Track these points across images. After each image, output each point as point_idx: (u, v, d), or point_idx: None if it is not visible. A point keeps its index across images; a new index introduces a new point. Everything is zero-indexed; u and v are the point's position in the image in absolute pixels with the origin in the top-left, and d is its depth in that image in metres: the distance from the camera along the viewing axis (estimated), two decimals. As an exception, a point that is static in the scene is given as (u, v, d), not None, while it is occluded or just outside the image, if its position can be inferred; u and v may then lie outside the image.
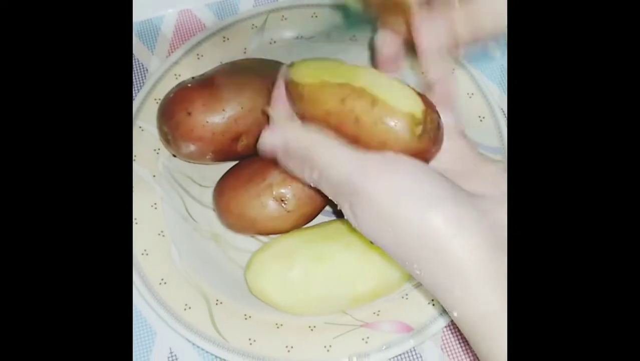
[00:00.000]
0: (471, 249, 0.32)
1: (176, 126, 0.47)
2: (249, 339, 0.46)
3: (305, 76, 0.38)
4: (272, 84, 0.47)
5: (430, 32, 0.38)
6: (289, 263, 0.46)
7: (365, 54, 0.56)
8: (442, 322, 0.46)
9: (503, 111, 0.53)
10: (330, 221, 0.48)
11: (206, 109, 0.46)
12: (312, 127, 0.37)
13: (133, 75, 0.56)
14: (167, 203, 0.50)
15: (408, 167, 0.34)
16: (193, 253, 0.49)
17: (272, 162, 0.48)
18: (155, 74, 0.53)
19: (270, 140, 0.40)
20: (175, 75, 0.53)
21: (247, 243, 0.50)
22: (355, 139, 0.35)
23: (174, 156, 0.51)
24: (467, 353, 0.47)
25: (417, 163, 0.34)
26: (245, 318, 0.47)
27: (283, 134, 0.39)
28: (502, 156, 0.51)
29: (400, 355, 0.47)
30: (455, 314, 0.33)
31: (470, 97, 0.53)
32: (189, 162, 0.52)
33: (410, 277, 0.47)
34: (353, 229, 0.36)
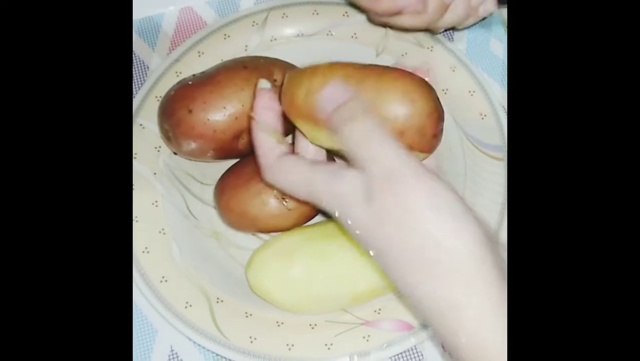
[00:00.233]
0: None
1: (177, 124, 0.47)
2: (250, 337, 0.46)
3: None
4: (272, 82, 0.47)
5: None
6: (289, 261, 0.46)
7: (366, 51, 0.55)
8: (443, 320, 0.46)
9: (504, 109, 0.53)
10: (331, 220, 0.48)
11: (207, 106, 0.46)
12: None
13: (134, 72, 0.56)
14: (167, 200, 0.50)
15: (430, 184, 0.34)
16: (194, 251, 0.49)
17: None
18: (156, 71, 0.53)
19: (269, 176, 0.40)
20: (176, 72, 0.53)
21: (248, 241, 0.50)
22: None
23: (175, 153, 0.51)
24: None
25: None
26: (246, 316, 0.47)
27: (281, 174, 0.39)
28: (504, 154, 0.51)
29: (401, 353, 0.47)
30: (463, 340, 0.32)
31: (471, 95, 0.53)
32: (190, 160, 0.52)
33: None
34: None
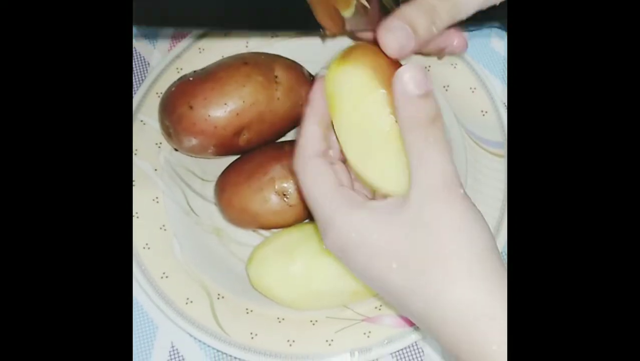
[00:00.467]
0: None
1: (178, 120, 0.47)
2: (251, 333, 0.46)
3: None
4: (273, 78, 0.47)
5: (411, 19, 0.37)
6: (290, 257, 0.46)
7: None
8: (444, 317, 0.46)
9: (505, 106, 0.53)
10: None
11: (208, 103, 0.46)
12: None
13: (135, 69, 0.56)
14: (168, 197, 0.50)
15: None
16: (195, 247, 0.49)
17: (274, 157, 0.48)
18: (157, 68, 0.53)
19: (295, 167, 0.38)
20: (177, 69, 0.53)
21: (249, 237, 0.50)
22: None
23: (176, 150, 0.51)
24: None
25: None
26: (247, 313, 0.47)
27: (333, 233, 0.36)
28: (504, 151, 0.51)
29: (401, 349, 0.47)
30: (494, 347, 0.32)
31: (472, 92, 0.53)
32: (191, 156, 0.52)
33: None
34: None
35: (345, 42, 0.47)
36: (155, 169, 0.51)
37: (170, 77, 0.51)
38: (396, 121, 0.35)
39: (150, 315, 0.48)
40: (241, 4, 0.36)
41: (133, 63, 0.57)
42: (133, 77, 0.56)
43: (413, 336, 0.45)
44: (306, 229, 0.47)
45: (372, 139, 0.36)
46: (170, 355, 0.47)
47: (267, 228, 0.49)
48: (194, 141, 0.47)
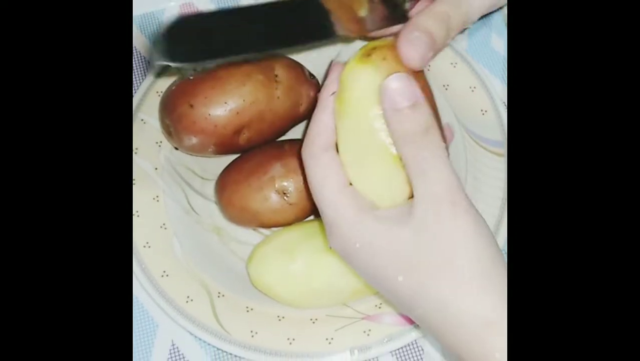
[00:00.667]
0: None
1: (178, 119, 0.47)
2: (251, 331, 0.46)
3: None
4: (273, 77, 0.47)
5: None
6: (290, 256, 0.46)
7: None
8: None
9: (505, 105, 0.53)
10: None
11: (208, 101, 0.46)
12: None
13: (135, 68, 0.56)
14: (168, 195, 0.50)
15: None
16: (195, 246, 0.49)
17: (274, 155, 0.48)
18: (157, 66, 0.53)
19: (303, 155, 0.38)
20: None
21: (249, 235, 0.50)
22: None
23: (176, 148, 0.51)
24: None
25: None
26: (247, 311, 0.47)
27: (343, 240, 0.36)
28: (504, 150, 0.51)
29: (401, 347, 0.47)
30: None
31: (472, 91, 0.53)
32: (191, 155, 0.52)
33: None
34: None
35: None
36: (156, 168, 0.51)
37: (171, 77, 0.51)
38: None
39: (150, 314, 0.48)
40: (262, 26, 0.37)
41: (134, 62, 0.57)
42: (134, 76, 0.56)
43: (413, 335, 0.45)
44: (306, 227, 0.47)
45: (370, 147, 0.36)
46: (171, 353, 0.47)
47: (267, 226, 0.49)
48: (194, 140, 0.47)
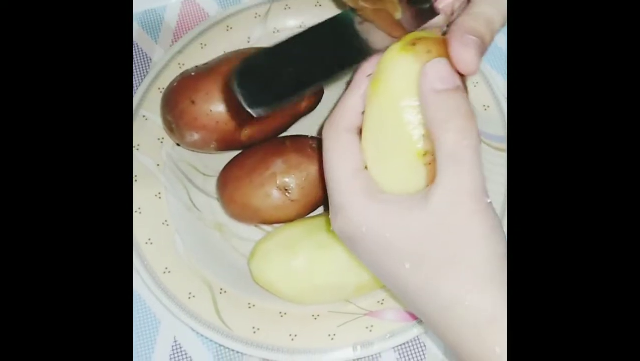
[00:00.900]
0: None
1: (180, 115, 0.47)
2: (253, 328, 0.46)
3: None
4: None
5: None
6: (292, 252, 0.46)
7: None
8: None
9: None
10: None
11: (210, 97, 0.46)
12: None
13: (136, 64, 0.56)
14: (170, 192, 0.50)
15: None
16: (197, 242, 0.49)
17: (276, 152, 0.48)
18: (159, 63, 0.53)
19: (324, 133, 0.37)
20: (179, 64, 0.53)
21: (251, 232, 0.50)
22: None
23: (178, 145, 0.51)
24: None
25: None
26: (249, 307, 0.47)
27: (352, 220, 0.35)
28: (506, 145, 0.51)
29: (403, 343, 0.47)
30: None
31: (474, 86, 0.53)
32: (193, 151, 0.52)
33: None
34: None
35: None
36: (158, 165, 0.51)
37: (172, 73, 0.51)
38: (423, 135, 0.34)
39: (152, 310, 0.48)
40: (320, 53, 0.37)
41: (135, 58, 0.57)
42: (135, 73, 0.56)
43: (415, 331, 0.45)
44: (308, 223, 0.47)
45: (395, 137, 0.35)
46: (173, 350, 0.47)
47: (269, 222, 0.49)
48: (195, 136, 0.47)
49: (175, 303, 0.46)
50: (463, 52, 0.34)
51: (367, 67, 0.37)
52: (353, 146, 0.36)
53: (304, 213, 0.48)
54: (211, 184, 0.51)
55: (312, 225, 0.47)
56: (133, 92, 0.53)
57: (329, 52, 0.37)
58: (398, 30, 0.37)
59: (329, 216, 0.36)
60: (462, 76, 0.35)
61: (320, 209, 0.49)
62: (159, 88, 0.52)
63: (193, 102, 0.46)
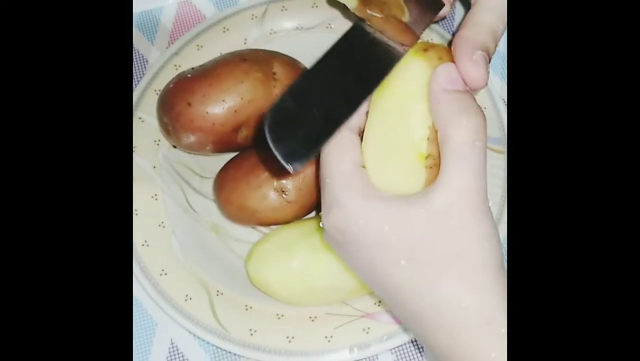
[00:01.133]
0: None
1: (176, 117, 0.47)
2: (250, 330, 0.46)
3: None
4: (272, 75, 0.47)
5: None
6: (289, 253, 0.46)
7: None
8: (443, 313, 0.46)
9: (504, 102, 0.53)
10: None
11: (206, 99, 0.46)
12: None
13: (133, 66, 0.56)
14: (167, 194, 0.50)
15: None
16: (193, 244, 0.49)
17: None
18: (155, 65, 0.53)
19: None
20: (175, 66, 0.53)
21: (248, 234, 0.50)
22: None
23: (174, 147, 0.51)
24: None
25: None
26: (246, 309, 0.47)
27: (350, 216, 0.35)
28: (504, 147, 0.51)
29: (401, 345, 0.47)
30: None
31: (471, 88, 0.53)
32: (189, 153, 0.52)
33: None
34: None
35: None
36: (154, 167, 0.51)
37: (169, 75, 0.51)
38: (428, 138, 0.35)
39: (149, 312, 0.48)
40: (344, 80, 0.36)
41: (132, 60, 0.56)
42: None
43: (412, 333, 0.45)
44: (305, 225, 0.47)
45: (398, 139, 0.35)
46: (170, 352, 0.47)
47: (266, 224, 0.49)
48: (192, 138, 0.47)
49: (172, 305, 0.46)
50: (473, 70, 0.35)
51: None
52: (354, 144, 0.36)
53: (300, 214, 0.48)
54: (208, 186, 0.51)
55: (309, 227, 0.47)
56: (129, 94, 0.53)
57: (353, 78, 0.36)
58: (409, 37, 0.37)
59: (321, 212, 0.36)
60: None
61: (317, 211, 0.49)
62: (155, 90, 0.52)
63: (189, 104, 0.46)
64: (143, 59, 0.57)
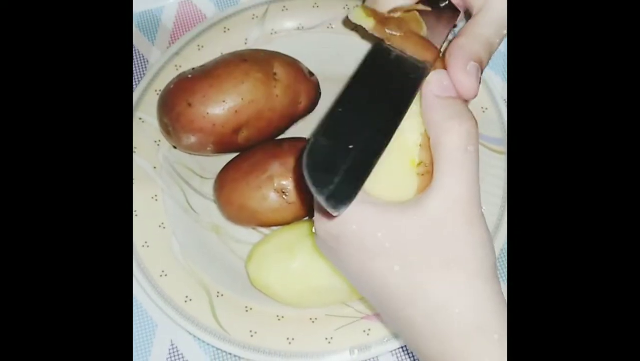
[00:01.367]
0: None
1: (176, 117, 0.47)
2: (250, 331, 0.46)
3: None
4: (272, 75, 0.47)
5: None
6: (290, 254, 0.45)
7: (366, 45, 0.55)
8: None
9: (505, 102, 0.53)
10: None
11: (206, 100, 0.46)
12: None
13: (133, 66, 0.56)
14: (167, 194, 0.50)
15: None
16: (194, 245, 0.49)
17: (273, 154, 0.48)
18: (156, 65, 0.53)
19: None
20: (176, 66, 0.53)
21: (248, 234, 0.50)
22: None
23: (175, 147, 0.51)
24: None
25: None
26: (246, 310, 0.47)
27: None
28: (504, 147, 0.51)
29: (401, 347, 0.47)
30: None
31: (472, 88, 0.53)
32: (190, 153, 0.52)
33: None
34: None
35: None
36: (154, 167, 0.51)
37: (169, 75, 0.51)
38: (420, 145, 0.34)
39: (149, 313, 0.48)
40: (378, 106, 0.35)
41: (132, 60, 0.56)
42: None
43: (413, 334, 0.45)
44: (305, 226, 0.47)
45: (390, 147, 0.35)
46: (170, 353, 0.47)
47: (266, 225, 0.49)
48: (192, 139, 0.47)
49: (172, 306, 0.46)
50: (466, 80, 0.35)
51: None
52: None
53: (301, 215, 0.48)
54: (208, 187, 0.51)
55: (310, 228, 0.47)
56: (130, 94, 0.53)
57: (382, 104, 0.35)
58: (431, 52, 0.37)
59: (314, 217, 0.36)
60: None
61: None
62: (155, 90, 0.52)
63: (190, 104, 0.46)
64: (143, 59, 0.57)
